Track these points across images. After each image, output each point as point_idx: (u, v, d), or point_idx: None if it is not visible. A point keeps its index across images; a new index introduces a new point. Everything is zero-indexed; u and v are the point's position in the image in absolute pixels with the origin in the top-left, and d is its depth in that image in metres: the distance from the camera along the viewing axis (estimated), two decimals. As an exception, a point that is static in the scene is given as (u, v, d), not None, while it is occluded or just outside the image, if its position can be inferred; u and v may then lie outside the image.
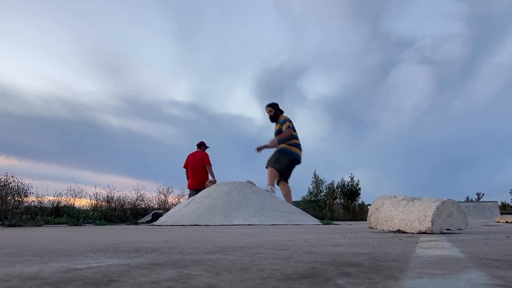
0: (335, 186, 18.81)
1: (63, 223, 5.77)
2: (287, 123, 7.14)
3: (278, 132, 7.13)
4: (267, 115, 7.41)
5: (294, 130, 7.27)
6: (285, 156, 7.05)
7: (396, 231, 2.82)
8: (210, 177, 7.84)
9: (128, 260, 0.98)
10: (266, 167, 7.04)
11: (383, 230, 2.95)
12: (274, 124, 7.52)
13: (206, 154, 7.97)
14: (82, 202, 7.80)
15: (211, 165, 7.82)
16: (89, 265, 0.87)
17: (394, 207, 2.87)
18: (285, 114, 7.36)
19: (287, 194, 7.29)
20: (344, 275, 0.72)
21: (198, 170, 7.79)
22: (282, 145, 7.05)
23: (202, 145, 8.13)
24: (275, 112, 7.23)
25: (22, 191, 6.11)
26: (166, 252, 1.20)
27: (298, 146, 7.20)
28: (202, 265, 0.87)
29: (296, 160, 7.17)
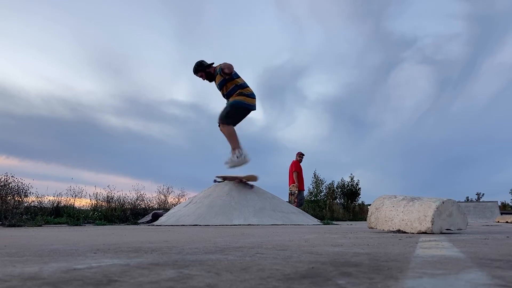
0: (335, 186, 18.82)
1: (63, 223, 5.77)
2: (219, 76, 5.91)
3: (223, 82, 5.98)
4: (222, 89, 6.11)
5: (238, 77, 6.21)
6: (241, 109, 5.98)
7: (396, 231, 2.82)
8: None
9: (128, 260, 0.98)
10: (219, 124, 5.93)
11: (383, 230, 2.95)
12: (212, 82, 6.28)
13: (293, 162, 9.37)
14: (82, 202, 7.80)
15: (296, 172, 9.21)
16: (89, 265, 0.87)
17: (394, 207, 2.87)
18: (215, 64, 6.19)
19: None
20: (344, 275, 0.72)
21: (289, 176, 9.41)
22: (236, 97, 5.92)
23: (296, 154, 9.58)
24: (207, 73, 6.04)
25: (22, 191, 6.12)
26: (166, 252, 1.20)
27: (252, 95, 6.12)
28: (202, 265, 0.87)
29: (251, 111, 6.18)
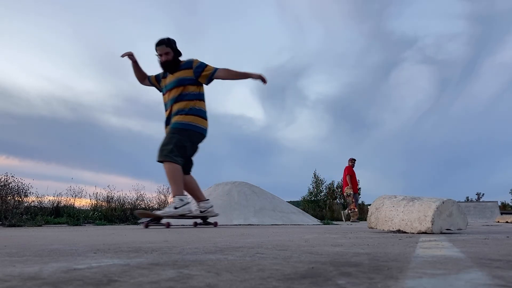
0: (335, 186, 18.84)
1: (63, 223, 5.77)
2: (210, 67, 4.30)
3: (186, 82, 4.27)
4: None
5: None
6: (193, 137, 4.27)
7: (396, 231, 2.82)
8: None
9: (128, 260, 0.98)
10: (160, 161, 4.21)
11: (383, 230, 2.95)
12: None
13: (346, 167, 10.17)
14: (82, 202, 7.81)
15: (349, 175, 9.89)
16: (89, 265, 0.86)
17: (394, 207, 2.87)
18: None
19: (197, 189, 4.60)
20: (344, 275, 0.72)
21: (344, 180, 10.25)
22: (181, 118, 4.22)
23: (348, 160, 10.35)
24: (174, 56, 4.33)
25: (22, 191, 6.12)
26: (166, 252, 1.20)
27: (205, 114, 4.43)
28: (202, 265, 0.87)
29: (204, 138, 4.43)
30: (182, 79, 4.32)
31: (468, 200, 36.91)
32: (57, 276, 0.71)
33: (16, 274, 0.73)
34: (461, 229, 2.81)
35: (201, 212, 4.62)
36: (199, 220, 4.73)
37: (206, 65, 4.34)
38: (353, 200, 9.61)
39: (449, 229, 2.73)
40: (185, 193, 4.38)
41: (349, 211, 9.66)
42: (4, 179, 5.89)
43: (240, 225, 5.24)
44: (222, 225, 5.19)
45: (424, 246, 1.47)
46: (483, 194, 41.08)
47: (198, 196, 4.63)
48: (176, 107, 4.33)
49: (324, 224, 6.33)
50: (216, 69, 4.31)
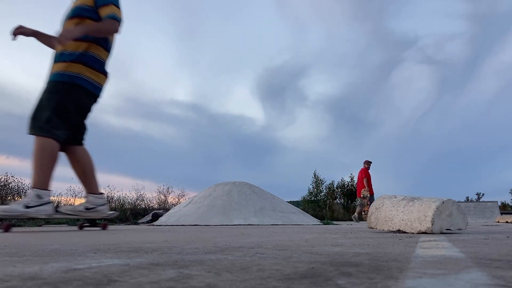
0: (335, 186, 18.84)
1: (63, 223, 5.77)
2: (117, 9, 3.13)
3: (81, 12, 3.13)
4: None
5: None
6: (74, 97, 3.04)
7: (396, 231, 2.82)
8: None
9: (128, 260, 0.98)
10: (30, 134, 3.00)
11: (383, 230, 2.95)
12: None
13: (362, 169, 10.22)
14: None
15: (366, 178, 9.98)
16: (89, 265, 0.86)
17: (394, 207, 2.87)
18: None
19: (90, 173, 3.35)
20: (344, 275, 0.72)
21: (359, 182, 10.29)
22: (64, 67, 3.02)
23: (364, 162, 10.38)
24: None
25: (22, 191, 6.13)
26: (166, 252, 1.20)
27: (104, 68, 3.23)
28: (202, 265, 0.87)
29: (96, 98, 3.28)
30: (80, 8, 3.13)
31: (468, 200, 36.94)
32: (57, 276, 0.71)
33: (16, 274, 0.73)
34: (461, 229, 2.81)
35: (87, 209, 3.31)
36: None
37: (117, 5, 3.14)
38: (368, 203, 9.83)
39: (449, 229, 2.73)
40: (50, 188, 3.02)
41: (363, 213, 9.89)
42: (4, 179, 5.91)
43: (240, 225, 5.24)
44: (222, 225, 5.19)
45: (424, 246, 1.47)
46: (483, 194, 41.18)
47: (90, 185, 3.31)
48: (60, 48, 3.05)
49: (324, 224, 6.34)
50: (117, 18, 3.09)
